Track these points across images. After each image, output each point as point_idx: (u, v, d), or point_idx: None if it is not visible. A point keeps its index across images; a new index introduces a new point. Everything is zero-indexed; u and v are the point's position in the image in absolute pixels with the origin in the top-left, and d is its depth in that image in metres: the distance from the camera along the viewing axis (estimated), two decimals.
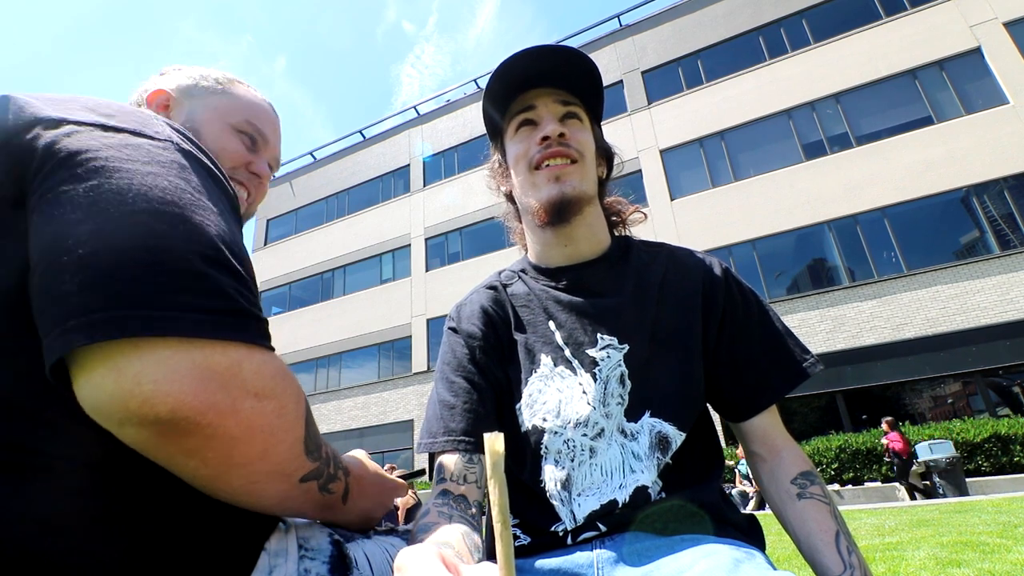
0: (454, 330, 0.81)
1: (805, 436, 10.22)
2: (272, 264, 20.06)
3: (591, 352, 0.73)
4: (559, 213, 0.75)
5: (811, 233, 11.91)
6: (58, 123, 0.42)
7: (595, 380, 0.72)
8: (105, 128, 0.43)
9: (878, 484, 8.76)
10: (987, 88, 11.05)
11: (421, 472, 0.93)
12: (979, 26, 11.36)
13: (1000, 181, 10.51)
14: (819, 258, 11.91)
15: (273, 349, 0.46)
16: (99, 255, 0.37)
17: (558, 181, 0.74)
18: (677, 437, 0.70)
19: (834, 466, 9.20)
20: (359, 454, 0.68)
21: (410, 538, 0.60)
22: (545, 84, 0.76)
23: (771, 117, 12.99)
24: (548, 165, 0.74)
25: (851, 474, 9.11)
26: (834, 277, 11.59)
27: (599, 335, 0.74)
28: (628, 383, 0.72)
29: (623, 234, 0.89)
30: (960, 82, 11.36)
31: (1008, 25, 11.15)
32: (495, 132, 0.85)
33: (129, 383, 0.36)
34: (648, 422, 0.70)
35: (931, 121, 11.37)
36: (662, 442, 0.70)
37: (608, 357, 0.73)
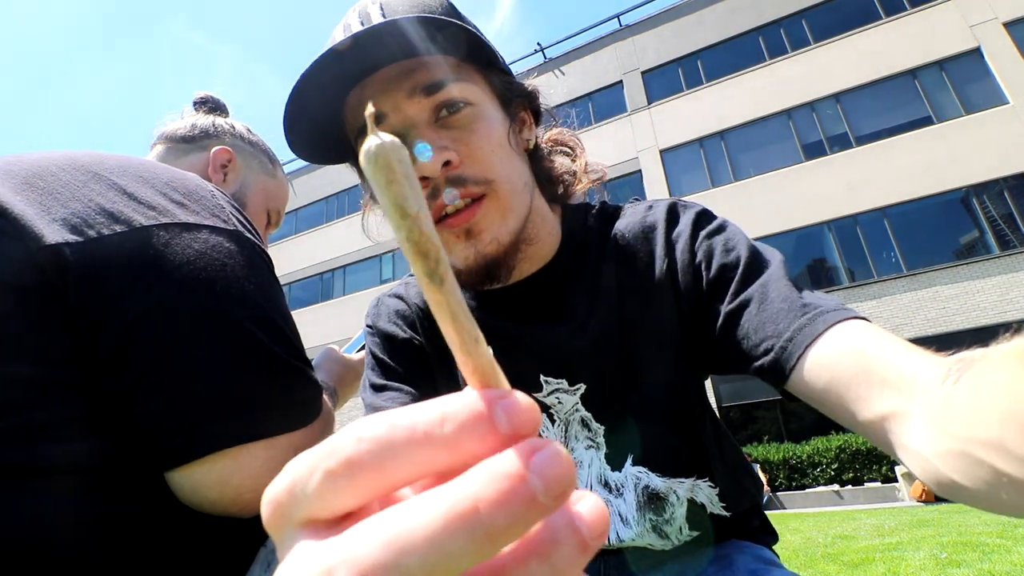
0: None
1: (805, 436, 10.22)
2: None
3: (538, 397, 0.59)
4: (488, 276, 0.54)
5: (811, 233, 11.90)
6: (149, 230, 0.44)
7: (552, 422, 0.60)
8: (188, 228, 0.46)
9: (878, 484, 8.76)
10: (987, 88, 11.04)
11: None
12: (979, 26, 11.35)
13: (1000, 181, 10.50)
14: (819, 258, 11.90)
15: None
16: (219, 367, 0.42)
17: (470, 238, 0.51)
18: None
19: (834, 466, 9.20)
20: (331, 355, 0.88)
21: None
22: (379, 62, 0.49)
23: (771, 117, 12.98)
24: (447, 215, 0.50)
25: (851, 474, 9.11)
26: (834, 277, 11.59)
27: (543, 377, 0.59)
28: (596, 425, 0.58)
29: (580, 202, 0.66)
30: (960, 82, 11.35)
31: (1008, 25, 11.14)
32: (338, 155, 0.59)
33: (232, 493, 0.42)
34: (631, 472, 0.58)
35: (931, 121, 11.36)
36: (652, 500, 0.57)
37: (560, 403, 0.59)
